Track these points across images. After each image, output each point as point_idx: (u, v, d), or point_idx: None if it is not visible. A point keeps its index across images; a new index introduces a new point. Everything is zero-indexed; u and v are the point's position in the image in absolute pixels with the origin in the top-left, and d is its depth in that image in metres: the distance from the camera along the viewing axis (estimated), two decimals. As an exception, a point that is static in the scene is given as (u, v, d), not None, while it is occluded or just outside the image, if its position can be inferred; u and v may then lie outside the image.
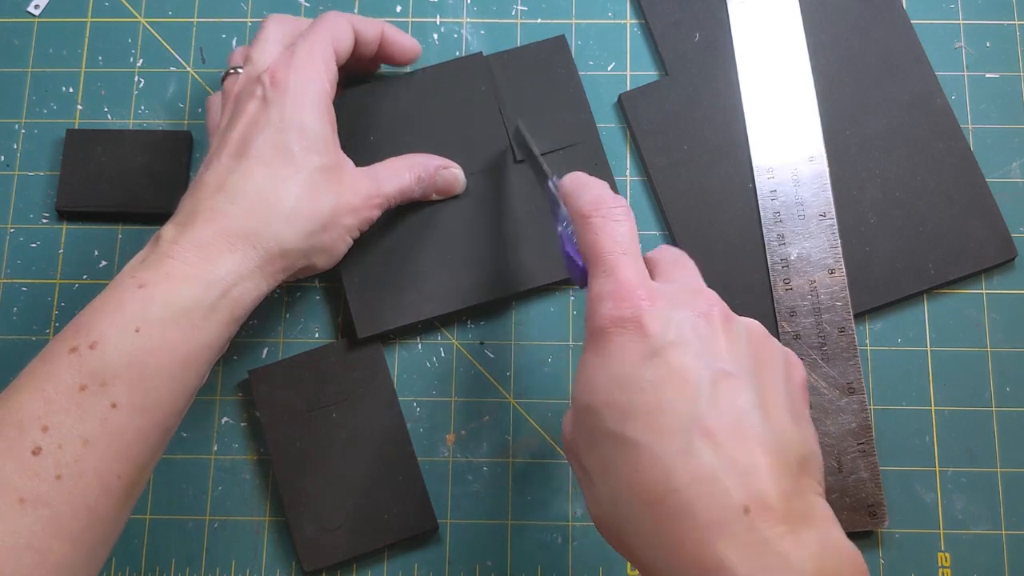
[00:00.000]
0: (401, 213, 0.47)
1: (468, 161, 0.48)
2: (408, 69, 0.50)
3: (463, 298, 0.47)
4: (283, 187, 0.40)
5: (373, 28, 0.45)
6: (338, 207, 0.41)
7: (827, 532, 0.29)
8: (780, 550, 0.28)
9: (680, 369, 0.31)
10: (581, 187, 0.37)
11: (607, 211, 0.35)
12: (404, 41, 0.47)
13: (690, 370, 0.31)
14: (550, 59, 0.50)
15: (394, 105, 0.49)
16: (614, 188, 0.49)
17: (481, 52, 0.50)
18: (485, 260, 0.47)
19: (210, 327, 0.38)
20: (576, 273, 0.38)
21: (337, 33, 0.43)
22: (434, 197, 0.47)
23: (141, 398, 0.36)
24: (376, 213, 0.44)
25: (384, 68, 0.50)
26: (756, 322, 0.34)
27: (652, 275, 0.36)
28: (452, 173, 0.47)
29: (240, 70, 0.43)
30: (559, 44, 0.50)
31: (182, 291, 0.37)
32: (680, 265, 0.37)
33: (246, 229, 0.39)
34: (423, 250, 0.47)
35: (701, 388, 0.30)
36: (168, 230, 0.39)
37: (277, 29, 0.44)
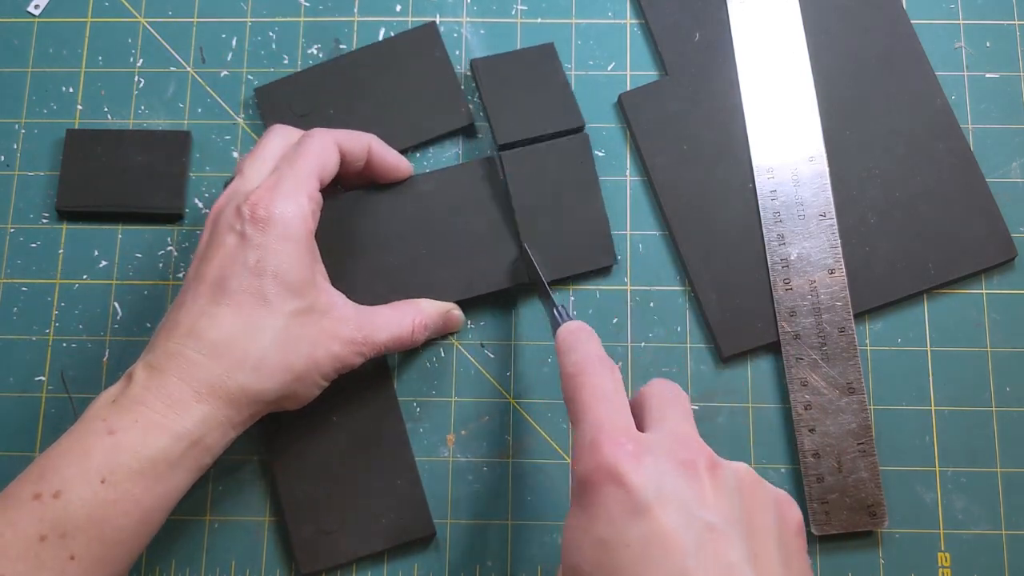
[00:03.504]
0: (360, 217, 0.47)
1: (425, 132, 0.49)
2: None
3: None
4: (255, 336, 0.38)
5: (360, 145, 0.44)
6: (313, 356, 0.40)
7: None
8: None
9: (665, 526, 0.30)
10: (570, 347, 0.36)
11: (592, 369, 0.35)
12: (390, 159, 0.46)
13: (675, 527, 0.30)
14: (538, 62, 0.50)
15: (351, 77, 0.50)
16: (596, 187, 0.49)
17: (434, 21, 0.51)
18: (447, 263, 0.47)
19: (174, 478, 0.37)
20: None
21: (324, 159, 0.42)
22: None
23: (100, 551, 0.35)
24: (358, 360, 0.42)
25: (344, 47, 0.50)
26: (744, 466, 0.33)
27: (641, 415, 0.35)
28: (455, 316, 0.46)
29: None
30: (547, 51, 0.50)
31: (150, 441, 0.36)
32: (671, 404, 0.35)
33: (214, 380, 0.38)
34: (385, 252, 0.47)
35: (687, 546, 0.29)
36: (140, 372, 0.38)
37: (278, 143, 0.42)
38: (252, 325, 0.38)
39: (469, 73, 0.51)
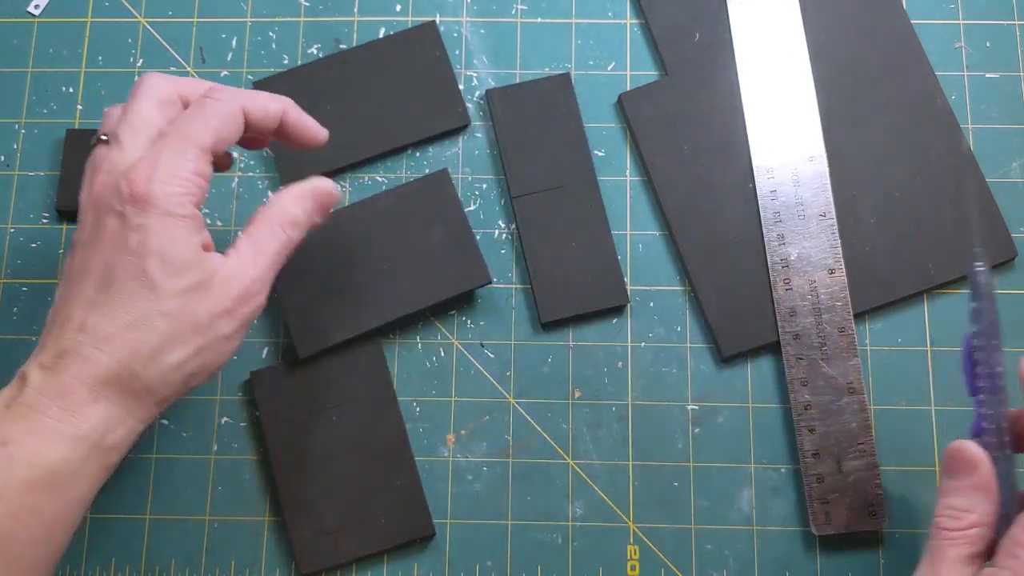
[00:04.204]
0: (323, 239, 0.47)
1: (422, 131, 0.50)
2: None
3: (397, 309, 0.47)
4: (146, 324, 0.36)
5: (270, 113, 0.40)
6: (211, 324, 0.37)
7: None
8: None
9: None
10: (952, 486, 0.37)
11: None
12: (308, 127, 0.42)
13: None
14: (552, 95, 0.50)
15: (350, 74, 0.50)
16: (606, 228, 0.49)
17: (433, 20, 0.51)
18: (412, 273, 0.47)
19: (79, 484, 0.35)
20: (968, 383, 0.38)
21: (218, 124, 0.38)
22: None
23: (4, 568, 0.33)
24: (258, 300, 0.39)
25: (342, 46, 0.50)
26: None
27: None
28: (321, 188, 0.41)
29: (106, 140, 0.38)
30: (563, 81, 0.50)
31: (47, 450, 0.34)
32: None
33: (109, 375, 0.35)
34: (355, 263, 0.47)
35: None
36: (33, 372, 0.36)
37: (152, 106, 0.38)
38: (143, 312, 0.36)
39: (482, 100, 0.51)
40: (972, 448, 0.36)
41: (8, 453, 0.34)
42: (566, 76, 0.50)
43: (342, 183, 0.50)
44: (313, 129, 0.42)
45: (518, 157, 0.49)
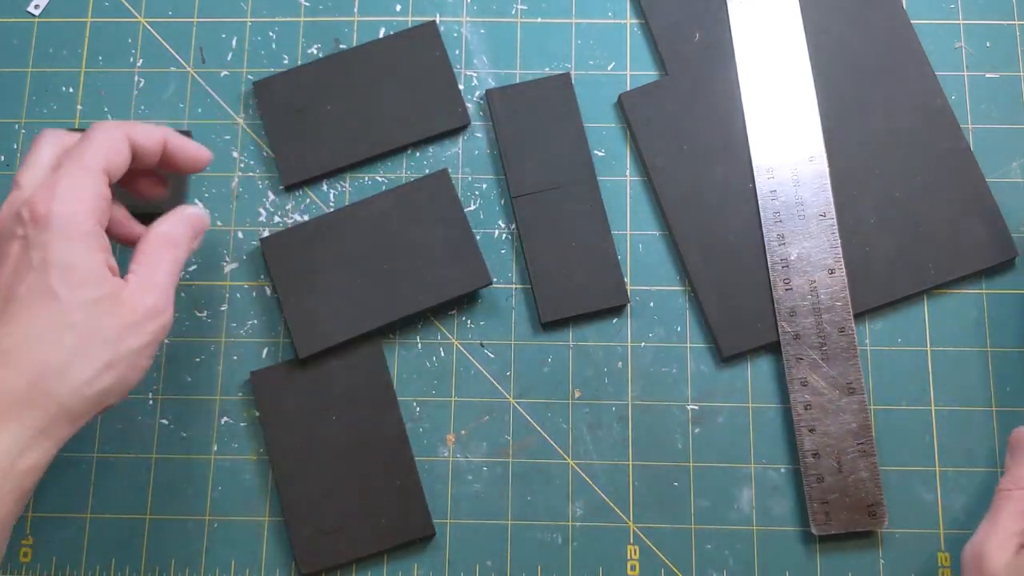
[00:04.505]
0: (322, 243, 0.47)
1: (423, 131, 0.49)
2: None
3: (397, 310, 0.47)
4: (52, 338, 0.35)
5: (153, 138, 0.40)
6: (120, 338, 0.36)
7: None
8: None
9: None
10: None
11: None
12: (190, 150, 0.42)
13: None
14: (552, 95, 0.50)
15: (350, 73, 0.50)
16: (607, 229, 0.49)
17: (433, 20, 0.51)
18: (412, 274, 0.47)
19: None
20: None
21: (107, 148, 0.38)
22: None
23: None
24: (165, 318, 0.38)
25: (341, 46, 0.50)
26: None
27: None
28: (190, 214, 0.42)
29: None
30: (563, 81, 0.50)
31: None
32: None
33: (17, 397, 0.34)
34: (355, 264, 0.47)
35: None
36: None
37: (49, 149, 0.39)
38: (48, 326, 0.35)
39: (481, 100, 0.51)
40: None
41: None
42: (566, 76, 0.50)
43: (341, 183, 0.50)
44: (196, 151, 0.42)
45: (518, 157, 0.49)
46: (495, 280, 0.48)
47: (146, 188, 0.44)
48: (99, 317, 0.36)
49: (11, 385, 0.34)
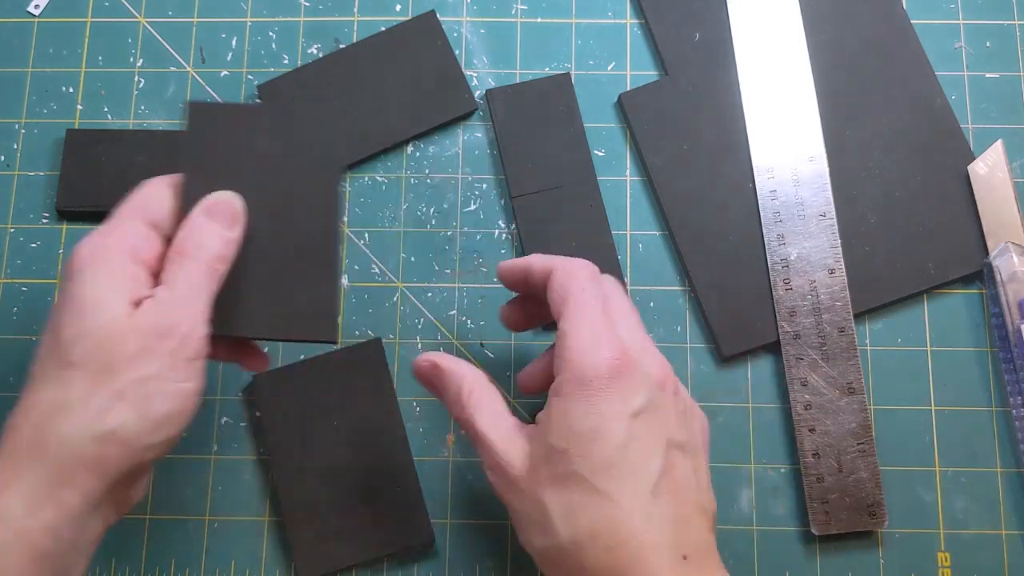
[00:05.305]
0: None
1: (429, 120, 0.50)
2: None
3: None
4: (54, 376, 0.33)
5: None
6: (127, 364, 0.33)
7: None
8: None
9: (650, 435, 0.34)
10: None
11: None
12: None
13: (656, 437, 0.34)
14: (553, 95, 0.50)
15: (353, 70, 0.50)
16: (611, 248, 0.49)
17: (433, 11, 0.51)
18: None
19: None
20: None
21: (142, 196, 0.37)
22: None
23: None
24: (182, 331, 0.34)
25: (341, 45, 0.50)
26: (685, 390, 0.37)
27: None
28: (222, 196, 0.38)
29: None
30: (563, 81, 0.50)
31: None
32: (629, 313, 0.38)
33: (27, 445, 0.32)
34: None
35: (660, 455, 0.34)
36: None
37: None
38: (52, 365, 0.33)
39: (482, 100, 0.51)
40: None
41: None
42: (566, 76, 0.50)
43: (341, 183, 0.50)
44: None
45: (518, 157, 0.49)
46: (495, 281, 0.48)
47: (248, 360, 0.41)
48: (100, 346, 0.33)
49: (21, 434, 0.32)
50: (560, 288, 0.36)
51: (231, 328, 0.37)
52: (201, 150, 0.38)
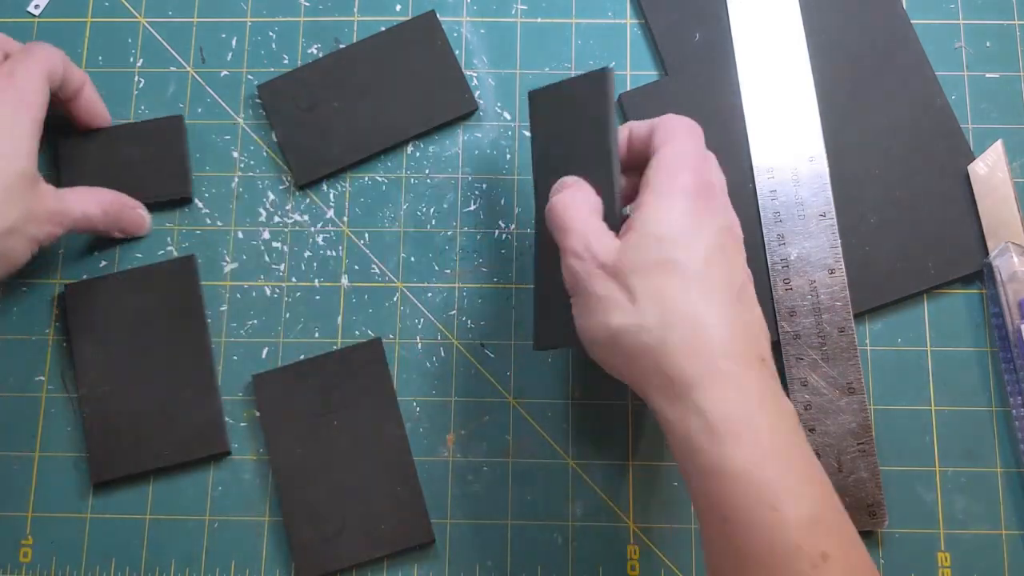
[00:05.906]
0: None
1: (430, 120, 0.50)
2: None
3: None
4: None
5: (78, 77, 0.47)
6: (27, 214, 0.42)
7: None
8: (775, 387, 0.36)
9: (735, 248, 0.38)
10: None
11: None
12: (97, 106, 0.49)
13: (738, 251, 0.38)
14: (590, 95, 0.42)
15: (354, 69, 0.50)
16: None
17: (433, 11, 0.51)
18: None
19: None
20: None
21: (51, 65, 0.45)
22: (117, 235, 0.48)
23: None
24: (59, 231, 0.45)
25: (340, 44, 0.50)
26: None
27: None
28: (139, 215, 0.49)
29: None
30: (601, 79, 0.42)
31: None
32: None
33: None
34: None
35: (741, 269, 0.38)
36: None
37: None
38: None
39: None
40: None
41: None
42: (606, 74, 0.42)
43: (342, 183, 0.50)
44: (101, 108, 0.49)
45: (548, 164, 0.43)
46: (495, 280, 0.48)
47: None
48: (18, 188, 0.42)
49: None
50: (669, 128, 0.39)
51: None
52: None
